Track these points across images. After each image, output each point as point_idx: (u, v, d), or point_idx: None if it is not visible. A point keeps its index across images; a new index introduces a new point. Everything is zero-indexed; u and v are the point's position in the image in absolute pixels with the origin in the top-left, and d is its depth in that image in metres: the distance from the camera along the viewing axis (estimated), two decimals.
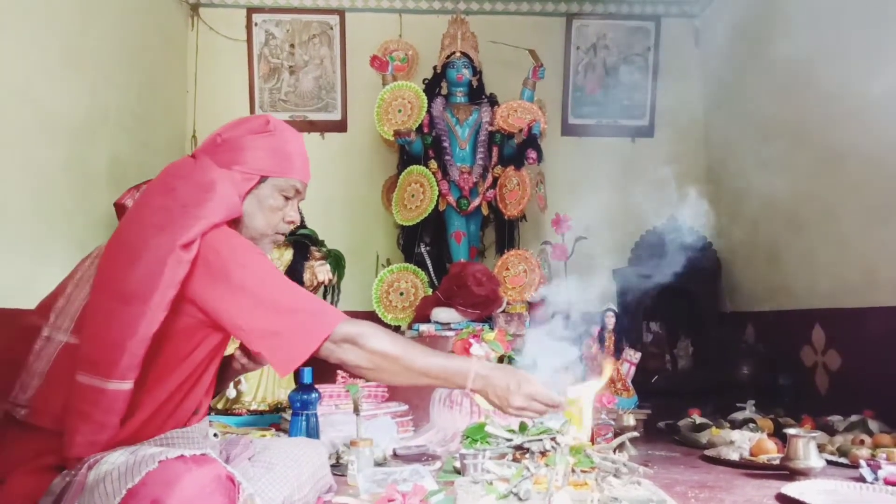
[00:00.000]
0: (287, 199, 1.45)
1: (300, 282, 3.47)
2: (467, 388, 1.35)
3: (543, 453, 1.76)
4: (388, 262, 3.88)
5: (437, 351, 1.37)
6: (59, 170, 2.88)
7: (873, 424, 2.69)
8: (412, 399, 3.07)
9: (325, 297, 3.68)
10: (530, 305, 3.56)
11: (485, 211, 3.83)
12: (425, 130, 3.77)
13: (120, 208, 1.43)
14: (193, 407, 1.37)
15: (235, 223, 1.39)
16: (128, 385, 1.18)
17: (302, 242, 3.56)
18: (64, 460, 1.18)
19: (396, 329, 3.60)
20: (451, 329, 3.32)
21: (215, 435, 1.77)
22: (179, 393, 1.32)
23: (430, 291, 3.63)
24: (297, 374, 2.42)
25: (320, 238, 3.66)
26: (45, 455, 1.19)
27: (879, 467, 2.07)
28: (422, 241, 3.79)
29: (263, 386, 3.37)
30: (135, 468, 1.04)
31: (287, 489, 1.47)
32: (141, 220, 1.28)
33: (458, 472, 1.98)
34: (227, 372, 1.59)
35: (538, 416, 1.43)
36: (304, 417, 2.33)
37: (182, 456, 1.05)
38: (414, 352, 1.33)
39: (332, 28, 4.46)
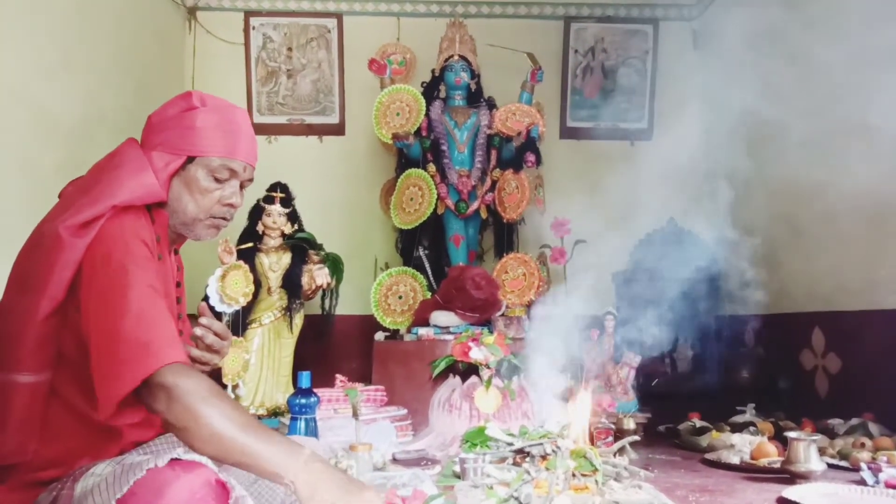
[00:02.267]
0: (219, 180, 1.33)
1: (298, 285, 3.46)
2: (286, 484, 1.05)
3: (544, 457, 1.76)
4: (387, 266, 3.87)
5: (274, 433, 1.11)
6: (56, 171, 2.86)
7: (874, 427, 2.69)
8: (411, 403, 3.06)
9: (323, 301, 3.67)
10: (530, 309, 3.55)
11: (483, 214, 3.82)
12: (423, 134, 3.76)
13: None
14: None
15: (164, 207, 1.32)
16: (38, 378, 1.15)
17: (300, 246, 3.56)
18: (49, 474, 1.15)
19: (395, 333, 3.59)
20: (450, 333, 3.30)
21: None
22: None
23: (428, 295, 3.62)
24: (296, 379, 2.41)
25: (318, 241, 3.65)
26: (29, 469, 1.16)
27: (880, 470, 2.07)
28: (420, 245, 3.78)
29: (262, 390, 3.36)
30: (122, 478, 1.01)
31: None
32: (53, 209, 1.24)
33: (457, 476, 1.97)
34: None
35: None
36: (302, 422, 2.32)
37: (170, 462, 1.02)
38: (234, 425, 1.06)
39: (329, 31, 4.46)
